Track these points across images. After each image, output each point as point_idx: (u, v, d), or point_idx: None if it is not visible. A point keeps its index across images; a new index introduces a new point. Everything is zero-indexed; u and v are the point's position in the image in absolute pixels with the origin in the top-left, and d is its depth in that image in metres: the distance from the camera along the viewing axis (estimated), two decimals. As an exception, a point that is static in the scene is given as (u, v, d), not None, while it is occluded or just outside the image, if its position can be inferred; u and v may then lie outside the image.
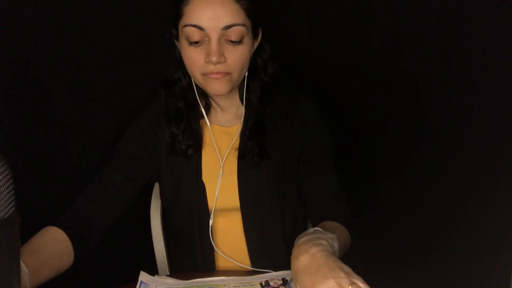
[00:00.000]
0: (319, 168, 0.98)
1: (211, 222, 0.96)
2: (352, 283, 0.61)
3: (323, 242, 0.70)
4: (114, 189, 0.94)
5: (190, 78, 0.95)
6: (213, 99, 0.97)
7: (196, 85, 0.95)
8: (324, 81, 1.29)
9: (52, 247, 0.82)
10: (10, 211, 0.53)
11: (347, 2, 1.27)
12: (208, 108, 0.99)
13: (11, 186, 0.54)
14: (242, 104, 0.97)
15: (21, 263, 0.67)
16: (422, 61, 1.21)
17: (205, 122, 0.98)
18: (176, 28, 0.88)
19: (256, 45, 0.92)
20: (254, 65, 0.95)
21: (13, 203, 0.54)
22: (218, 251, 0.98)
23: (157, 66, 1.20)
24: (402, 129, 1.30)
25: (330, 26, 1.29)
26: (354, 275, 0.64)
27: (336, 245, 0.74)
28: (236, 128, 0.99)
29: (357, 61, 1.29)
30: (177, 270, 1.07)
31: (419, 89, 1.24)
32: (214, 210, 0.97)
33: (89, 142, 1.31)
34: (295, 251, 0.70)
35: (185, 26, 0.84)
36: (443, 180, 1.25)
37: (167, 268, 1.11)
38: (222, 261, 1.00)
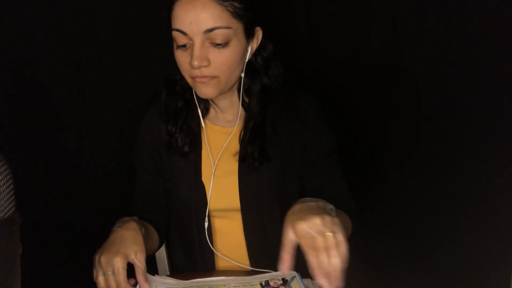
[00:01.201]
0: (322, 168, 0.98)
1: (206, 224, 0.96)
2: (334, 232, 0.65)
3: (320, 203, 0.75)
4: (151, 211, 1.01)
5: None
6: (211, 100, 0.97)
7: None
8: (324, 81, 1.29)
9: (151, 230, 0.98)
10: (10, 211, 0.53)
11: (347, 2, 1.26)
12: (207, 109, 0.99)
13: (11, 186, 0.54)
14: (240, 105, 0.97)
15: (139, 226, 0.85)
16: (422, 61, 1.21)
17: (207, 122, 0.99)
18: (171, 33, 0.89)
19: (255, 45, 0.91)
20: (255, 65, 0.95)
21: (13, 203, 0.54)
22: (217, 253, 0.98)
23: (157, 66, 1.20)
24: (402, 128, 1.30)
25: (330, 26, 1.29)
26: (339, 228, 0.67)
27: (333, 214, 0.75)
28: (236, 129, 0.98)
29: (357, 61, 1.29)
30: (177, 270, 1.07)
31: (419, 89, 1.24)
32: (214, 211, 0.97)
33: (89, 142, 1.31)
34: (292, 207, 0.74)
35: (172, 30, 0.85)
36: (443, 180, 1.25)
37: (167, 268, 1.11)
38: (221, 261, 1.00)
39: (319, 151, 0.98)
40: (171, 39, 0.90)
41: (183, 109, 0.97)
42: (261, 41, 0.92)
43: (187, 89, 0.97)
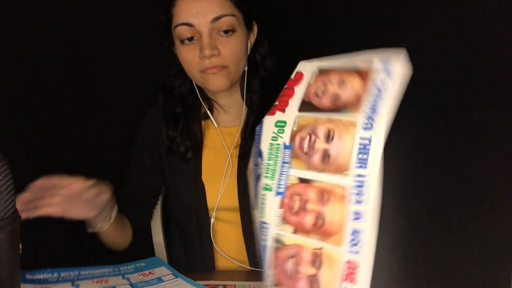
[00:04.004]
0: None
1: (212, 220, 0.96)
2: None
3: None
4: (137, 204, 1.02)
5: (191, 83, 0.96)
6: (214, 100, 0.98)
7: (198, 88, 0.96)
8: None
9: (127, 224, 1.00)
10: (10, 211, 0.53)
11: (348, 1, 1.26)
12: (211, 111, 0.99)
13: (11, 186, 0.54)
14: (243, 102, 0.97)
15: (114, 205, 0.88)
16: (423, 59, 1.21)
17: (209, 123, 0.99)
18: (170, 33, 0.89)
19: (253, 39, 0.93)
20: (253, 61, 0.96)
21: (13, 203, 0.54)
22: (219, 250, 0.98)
23: (158, 66, 1.20)
24: (401, 127, 1.30)
25: (330, 26, 1.29)
26: None
27: None
28: (238, 129, 0.99)
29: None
30: (178, 270, 1.07)
31: (420, 88, 1.24)
32: (214, 211, 0.97)
33: (89, 142, 1.31)
34: None
35: (176, 27, 0.85)
36: (442, 180, 1.24)
37: (167, 268, 1.11)
38: (221, 261, 1.00)
39: None
40: (169, 47, 0.90)
41: (182, 114, 0.97)
42: (257, 38, 0.94)
43: (188, 94, 0.97)
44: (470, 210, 1.24)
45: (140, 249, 1.17)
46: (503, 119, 1.14)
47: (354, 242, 0.49)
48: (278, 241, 0.54)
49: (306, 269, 0.51)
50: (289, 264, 0.53)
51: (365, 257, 0.49)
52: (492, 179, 1.17)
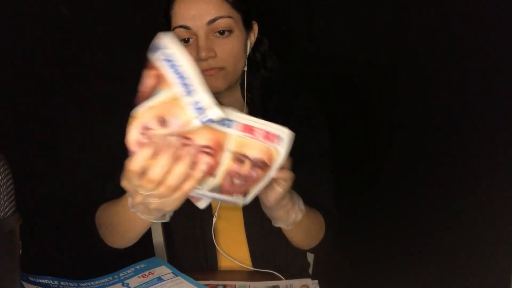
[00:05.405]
0: (312, 169, 0.97)
1: (214, 219, 0.96)
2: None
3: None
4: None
5: None
6: (216, 99, 0.97)
7: None
8: (323, 79, 1.29)
9: None
10: (10, 211, 0.53)
11: (348, 2, 1.26)
12: None
13: (11, 186, 0.54)
14: (244, 101, 0.97)
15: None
16: (424, 59, 1.21)
17: None
18: None
19: (253, 39, 0.93)
20: (254, 60, 0.95)
21: (13, 203, 0.54)
22: (220, 251, 0.98)
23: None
24: (401, 127, 1.30)
25: (331, 22, 1.29)
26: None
27: (301, 204, 0.80)
28: None
29: (357, 58, 1.29)
30: (180, 270, 1.07)
31: (420, 88, 1.24)
32: (217, 210, 0.97)
33: (89, 142, 1.31)
34: None
35: (174, 29, 0.85)
36: (443, 180, 1.25)
37: (167, 268, 1.11)
38: (224, 261, 1.00)
39: (308, 151, 0.96)
40: None
41: None
42: (257, 37, 0.94)
43: None
44: (470, 211, 1.24)
45: (140, 250, 1.17)
46: (503, 120, 1.14)
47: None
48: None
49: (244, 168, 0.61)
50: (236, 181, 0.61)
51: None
52: (492, 179, 1.17)
